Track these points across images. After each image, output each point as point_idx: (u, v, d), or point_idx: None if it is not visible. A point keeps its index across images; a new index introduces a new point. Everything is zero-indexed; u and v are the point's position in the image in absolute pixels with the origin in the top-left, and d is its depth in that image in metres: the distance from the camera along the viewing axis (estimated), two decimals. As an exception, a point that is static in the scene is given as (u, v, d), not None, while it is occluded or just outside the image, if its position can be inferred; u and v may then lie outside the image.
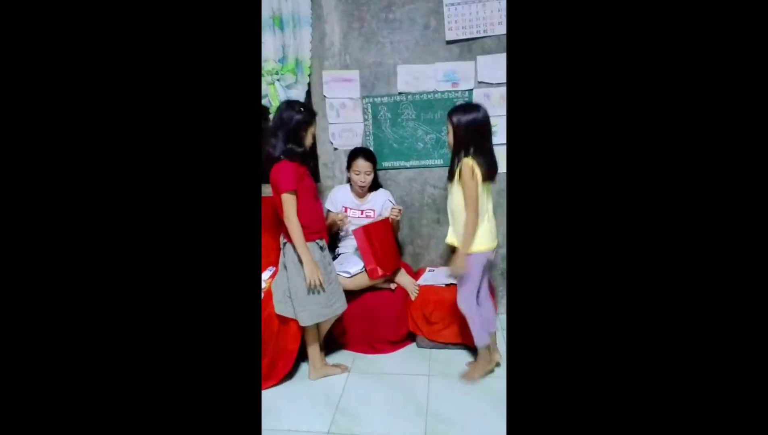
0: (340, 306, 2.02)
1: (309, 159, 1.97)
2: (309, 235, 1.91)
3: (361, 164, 2.28)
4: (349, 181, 2.39)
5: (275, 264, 2.23)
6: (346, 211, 2.36)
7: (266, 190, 1.95)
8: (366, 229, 2.13)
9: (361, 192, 2.33)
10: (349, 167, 2.34)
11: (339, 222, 2.23)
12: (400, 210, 2.26)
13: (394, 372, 2.10)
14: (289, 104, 1.92)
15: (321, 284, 1.90)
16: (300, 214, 1.88)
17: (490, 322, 1.99)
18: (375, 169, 2.34)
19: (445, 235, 1.94)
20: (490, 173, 1.77)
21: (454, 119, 1.76)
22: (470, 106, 1.82)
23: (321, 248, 2.00)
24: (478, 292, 1.94)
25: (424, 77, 2.35)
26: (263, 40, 2.35)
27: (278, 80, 2.42)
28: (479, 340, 1.93)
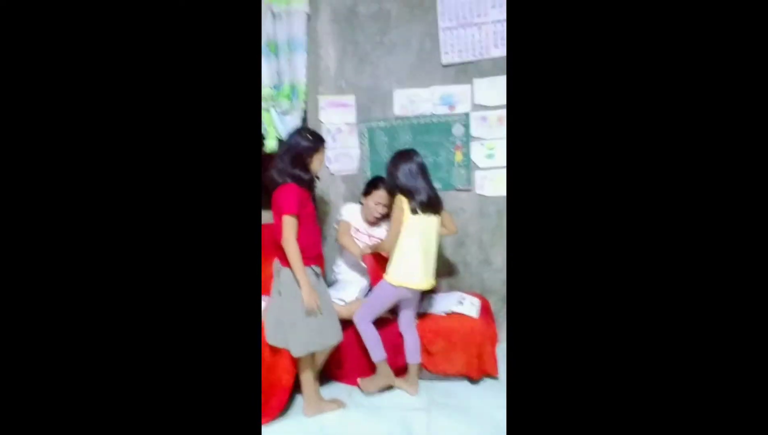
0: (335, 335, 1.94)
1: (314, 185, 1.96)
2: (306, 261, 1.86)
3: (382, 196, 2.22)
4: (360, 203, 2.32)
5: (267, 293, 2.17)
6: (356, 232, 2.29)
7: (265, 217, 1.91)
8: (376, 256, 2.12)
9: (373, 220, 2.28)
10: (366, 193, 2.27)
11: (362, 251, 2.16)
12: None
13: (392, 406, 2.00)
14: (298, 131, 1.94)
15: (318, 310, 1.84)
16: (299, 238, 1.83)
17: (412, 353, 2.08)
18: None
19: (442, 261, 1.89)
20: (422, 206, 1.94)
21: (389, 167, 2.03)
22: (402, 155, 2.01)
23: (317, 275, 1.94)
24: (398, 321, 2.08)
25: (420, 101, 2.33)
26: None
27: (273, 106, 2.40)
28: (373, 355, 2.05)
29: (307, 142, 1.88)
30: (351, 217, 2.31)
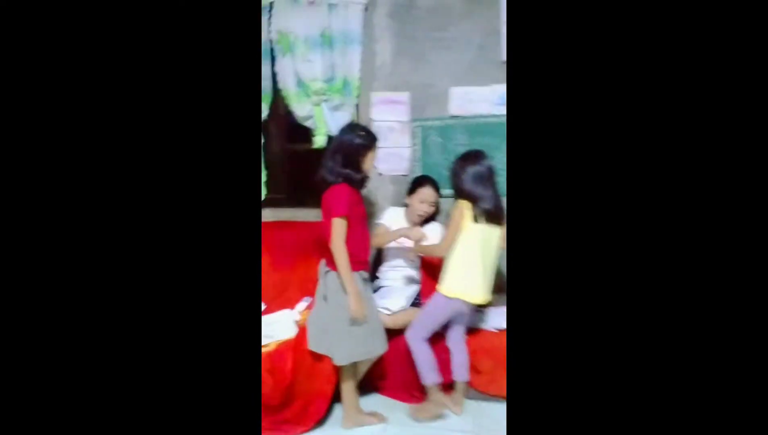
0: (380, 346, 1.83)
1: (365, 185, 1.87)
2: (354, 265, 1.76)
3: (429, 193, 2.10)
4: (405, 205, 2.21)
5: (312, 294, 2.09)
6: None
7: (293, 215, 1.83)
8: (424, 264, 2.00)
9: (419, 221, 2.15)
10: (411, 193, 2.15)
11: (413, 236, 1.98)
12: None
13: (436, 426, 1.86)
14: (350, 127, 1.84)
15: (364, 319, 1.74)
16: (348, 241, 1.74)
17: (460, 370, 1.93)
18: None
19: (497, 275, 1.76)
20: (486, 215, 1.80)
21: (454, 167, 1.87)
22: (470, 156, 1.87)
23: (364, 280, 1.85)
24: (446, 335, 1.94)
25: (478, 99, 2.18)
26: (312, 58, 2.27)
27: (325, 101, 2.32)
28: (424, 377, 1.87)
29: (360, 140, 1.78)
30: (393, 221, 2.19)
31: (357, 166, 1.78)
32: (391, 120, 2.31)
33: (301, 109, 2.35)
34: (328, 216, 1.77)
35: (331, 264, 1.79)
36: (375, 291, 2.15)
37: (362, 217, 1.85)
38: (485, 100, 2.17)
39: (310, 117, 2.36)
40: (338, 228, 1.73)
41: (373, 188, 2.40)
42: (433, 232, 2.17)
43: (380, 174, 2.37)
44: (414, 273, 2.14)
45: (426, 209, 2.10)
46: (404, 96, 2.28)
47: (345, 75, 2.29)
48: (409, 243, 2.11)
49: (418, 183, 2.15)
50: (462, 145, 2.25)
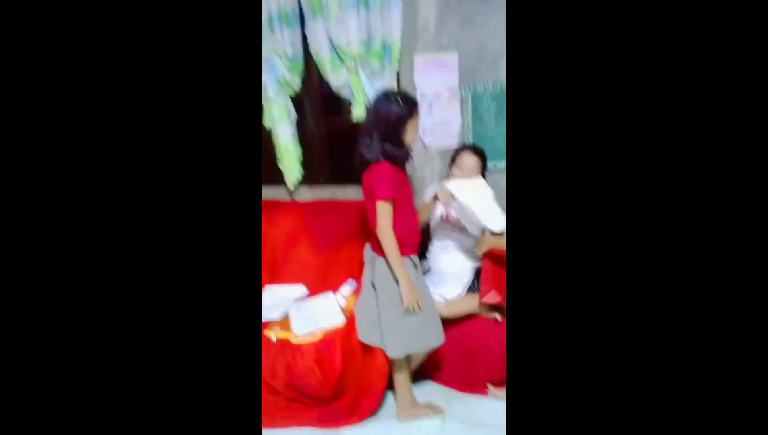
0: (436, 337, 1.71)
1: (409, 160, 1.68)
2: (403, 250, 1.62)
3: (467, 160, 1.88)
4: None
5: (356, 276, 1.97)
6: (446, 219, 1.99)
7: (333, 193, 1.67)
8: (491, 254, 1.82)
9: None
10: (452, 163, 1.96)
11: (442, 199, 1.75)
12: None
13: (501, 425, 1.74)
14: (386, 96, 1.61)
15: (419, 309, 1.61)
16: (395, 226, 1.59)
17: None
18: (483, 171, 1.95)
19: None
20: None
21: None
22: None
23: (415, 266, 1.70)
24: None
25: (539, 59, 1.92)
26: (345, 20, 2.03)
27: (362, 68, 2.10)
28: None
29: (397, 109, 1.56)
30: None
31: (398, 139, 1.58)
32: (437, 86, 2.07)
33: (336, 77, 2.14)
34: (370, 198, 1.61)
35: (378, 249, 1.65)
36: (425, 273, 1.99)
37: (408, 197, 1.69)
38: (546, 58, 1.91)
39: (346, 86, 2.15)
40: (384, 213, 1.57)
41: (419, 164, 2.20)
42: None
43: (426, 147, 2.17)
44: (467, 254, 1.97)
45: (464, 177, 1.87)
46: (452, 57, 2.03)
47: (384, 37, 2.05)
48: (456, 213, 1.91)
49: (456, 152, 1.95)
50: (519, 112, 2.01)
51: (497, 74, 2.00)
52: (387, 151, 1.58)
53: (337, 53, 2.11)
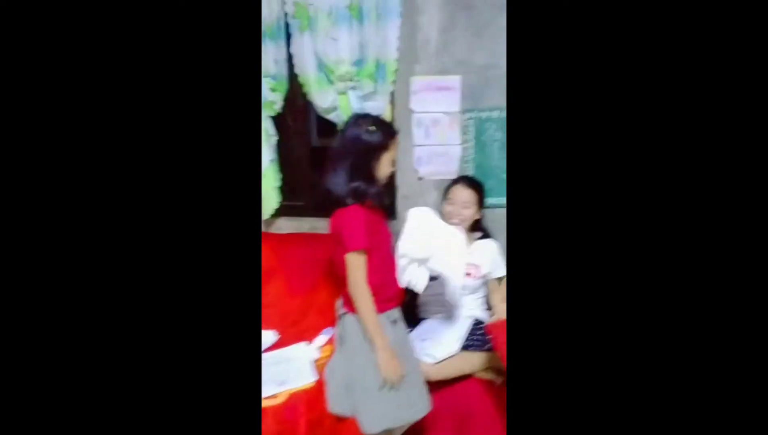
0: (421, 407, 1.40)
1: (385, 198, 1.39)
2: (380, 305, 1.34)
3: (459, 193, 1.67)
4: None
5: (333, 324, 1.68)
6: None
7: (314, 225, 1.40)
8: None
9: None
10: (445, 199, 1.74)
11: None
12: None
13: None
14: (356, 121, 1.35)
15: (400, 379, 1.32)
16: (370, 277, 1.32)
17: None
18: (480, 205, 1.71)
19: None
20: None
21: None
22: None
23: (394, 322, 1.41)
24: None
25: (552, 85, 1.70)
26: (337, 36, 1.83)
27: (353, 88, 1.88)
28: None
29: (370, 137, 1.31)
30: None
31: (369, 174, 1.33)
32: (436, 111, 1.85)
33: (323, 98, 1.92)
34: (339, 246, 1.34)
35: (349, 305, 1.37)
36: (413, 326, 1.70)
37: (386, 241, 1.41)
38: (560, 85, 1.69)
39: (334, 108, 1.93)
40: (355, 266, 1.30)
41: (413, 195, 1.95)
42: (491, 254, 1.71)
43: (420, 178, 1.92)
44: (468, 298, 1.68)
45: (459, 213, 1.66)
46: (454, 81, 1.81)
47: (378, 56, 1.84)
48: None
49: (450, 184, 1.74)
50: (528, 142, 1.77)
51: (504, 99, 1.77)
52: (357, 189, 1.31)
53: (325, 72, 1.90)
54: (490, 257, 1.71)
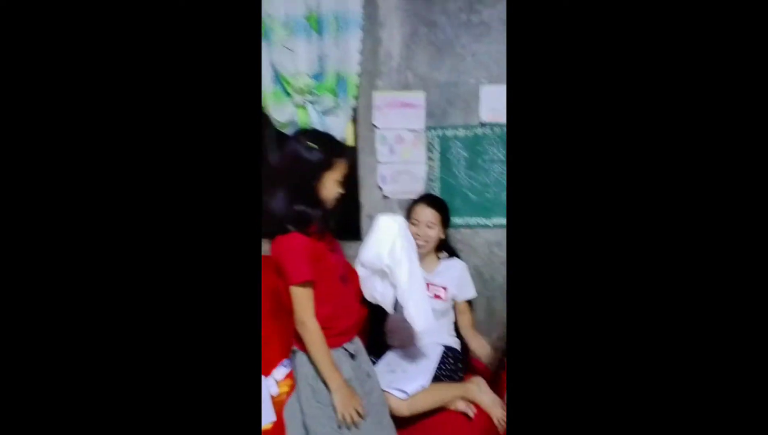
0: None
1: (330, 221, 1.24)
2: (332, 339, 1.23)
3: (422, 213, 1.61)
4: None
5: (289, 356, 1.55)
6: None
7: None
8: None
9: (420, 253, 1.63)
10: (408, 218, 1.66)
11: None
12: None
13: None
14: (297, 137, 1.22)
15: (359, 418, 1.21)
16: (319, 311, 1.19)
17: None
18: (445, 225, 1.65)
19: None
20: None
21: None
22: None
23: (352, 356, 1.30)
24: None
25: (517, 103, 1.68)
26: (294, 47, 1.73)
27: (312, 102, 1.78)
28: None
29: (310, 155, 1.18)
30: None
31: (311, 196, 1.20)
32: (400, 127, 1.78)
33: (279, 112, 1.81)
34: (282, 278, 1.21)
35: (299, 342, 1.25)
36: (379, 357, 1.60)
37: (335, 267, 1.28)
38: (524, 103, 1.67)
39: (292, 122, 1.82)
40: (300, 299, 1.18)
41: (377, 214, 1.86)
42: (457, 274, 1.66)
43: (385, 197, 1.84)
44: (432, 332, 1.60)
45: (422, 233, 1.59)
46: (418, 97, 1.76)
47: (339, 69, 1.76)
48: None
49: (413, 204, 1.68)
50: (495, 160, 1.74)
51: (470, 118, 1.73)
52: (299, 214, 1.17)
53: (282, 84, 1.79)
54: (458, 278, 1.65)
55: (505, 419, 1.50)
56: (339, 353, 1.24)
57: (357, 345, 1.33)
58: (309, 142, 1.19)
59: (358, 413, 1.20)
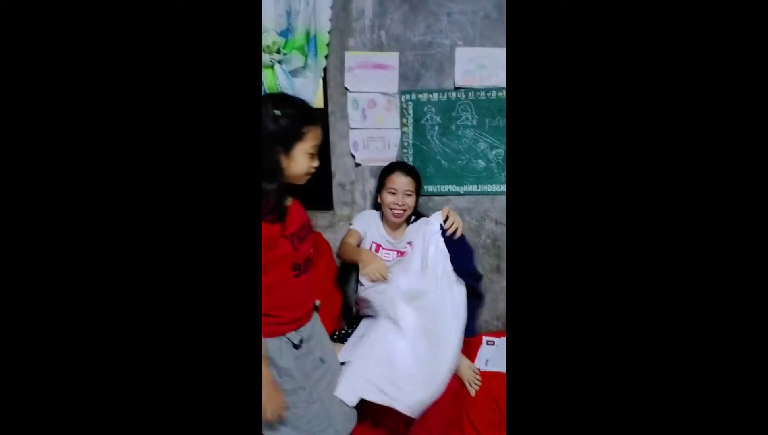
0: (341, 428, 1.25)
1: (284, 200, 1.11)
2: (276, 328, 1.14)
3: (399, 181, 1.58)
4: (379, 207, 1.67)
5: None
6: (377, 249, 1.65)
7: None
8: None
9: (397, 221, 1.62)
10: (381, 187, 1.63)
11: (378, 277, 1.46)
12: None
13: None
14: (263, 102, 1.08)
15: (283, 411, 1.14)
16: (267, 294, 1.05)
17: None
18: (418, 192, 1.63)
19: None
20: None
21: None
22: None
23: (296, 346, 1.18)
24: None
25: (494, 66, 1.64)
26: (261, 1, 1.62)
27: (279, 62, 1.68)
28: None
29: (274, 125, 1.05)
30: (371, 231, 1.66)
31: (274, 169, 1.06)
32: (372, 91, 1.72)
33: (246, 72, 1.70)
34: None
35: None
36: (343, 337, 1.58)
37: (288, 257, 1.14)
38: (503, 66, 1.64)
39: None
40: None
41: (348, 183, 1.81)
42: (424, 232, 1.62)
43: (358, 164, 1.79)
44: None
45: (401, 202, 1.58)
46: (392, 58, 1.69)
47: (308, 26, 1.66)
48: (393, 257, 1.59)
49: (386, 172, 1.64)
50: (469, 126, 1.71)
51: (444, 81, 1.69)
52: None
53: (248, 41, 1.68)
54: (426, 236, 1.58)
55: (477, 381, 1.53)
56: (280, 342, 1.15)
57: (308, 331, 1.23)
58: (275, 111, 1.06)
59: (276, 413, 1.11)
